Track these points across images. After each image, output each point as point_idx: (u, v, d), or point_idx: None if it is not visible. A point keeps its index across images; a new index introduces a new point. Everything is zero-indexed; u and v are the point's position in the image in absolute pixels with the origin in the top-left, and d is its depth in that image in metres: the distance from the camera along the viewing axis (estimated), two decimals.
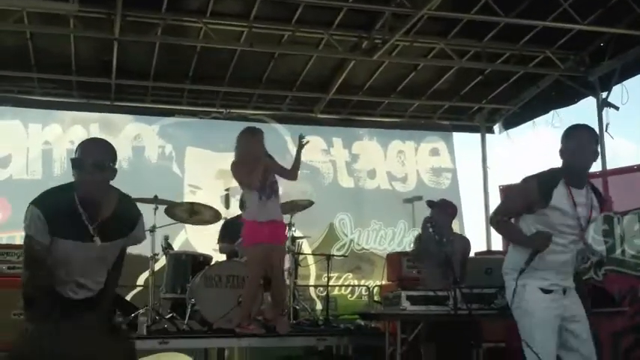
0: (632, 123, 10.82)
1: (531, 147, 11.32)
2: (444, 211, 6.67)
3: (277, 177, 6.18)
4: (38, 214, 3.54)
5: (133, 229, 3.83)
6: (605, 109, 9.08)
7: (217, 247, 7.75)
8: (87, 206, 3.61)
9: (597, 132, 4.57)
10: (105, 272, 3.88)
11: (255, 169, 5.93)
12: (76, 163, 3.59)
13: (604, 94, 9.17)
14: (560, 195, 4.04)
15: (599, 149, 4.18)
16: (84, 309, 3.72)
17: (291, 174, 6.26)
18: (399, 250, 9.45)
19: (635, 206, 7.00)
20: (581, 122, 4.34)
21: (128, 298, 8.01)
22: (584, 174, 4.13)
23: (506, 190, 4.38)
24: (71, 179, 3.64)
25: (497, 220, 4.36)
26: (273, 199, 6.08)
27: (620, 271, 7.01)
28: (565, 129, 4.24)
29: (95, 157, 3.58)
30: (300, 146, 6.37)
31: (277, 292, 6.19)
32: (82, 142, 3.76)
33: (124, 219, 3.78)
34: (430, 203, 6.85)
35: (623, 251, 7.07)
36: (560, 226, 4.07)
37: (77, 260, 3.69)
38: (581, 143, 4.06)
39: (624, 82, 8.90)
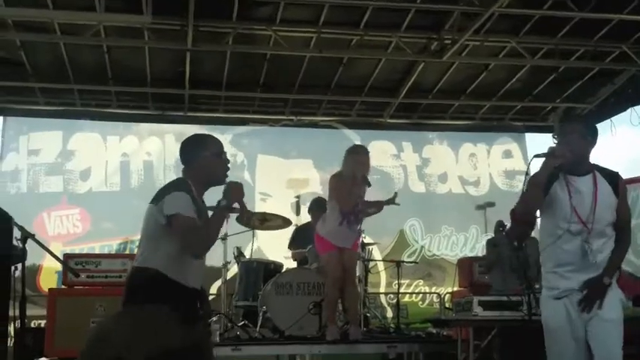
0: None
1: (608, 145, 10.95)
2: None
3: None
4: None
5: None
6: None
7: (288, 254, 7.82)
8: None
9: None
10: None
11: (353, 191, 5.79)
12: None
13: None
14: (557, 183, 3.93)
15: (594, 137, 4.04)
16: None
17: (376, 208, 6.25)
18: (471, 255, 9.31)
19: None
20: None
21: None
22: (582, 161, 3.95)
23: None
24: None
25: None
26: (354, 227, 5.92)
27: None
28: None
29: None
30: (389, 202, 6.33)
31: (350, 297, 6.15)
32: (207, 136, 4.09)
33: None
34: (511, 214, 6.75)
35: None
36: (559, 217, 3.90)
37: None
38: (567, 132, 4.00)
39: None
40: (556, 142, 4.02)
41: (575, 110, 10.97)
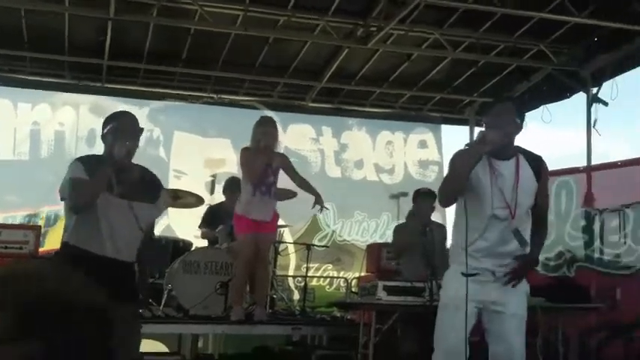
0: (620, 119, 10.74)
1: (520, 142, 11.24)
2: (427, 200, 6.66)
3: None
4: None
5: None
6: (594, 104, 9.01)
7: (199, 233, 7.75)
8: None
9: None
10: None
11: (257, 161, 5.87)
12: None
13: (594, 90, 9.10)
14: (480, 166, 3.88)
15: (522, 122, 4.04)
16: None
17: (302, 184, 6.26)
18: (380, 242, 9.40)
19: (617, 202, 6.97)
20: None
21: None
22: (508, 145, 3.93)
23: None
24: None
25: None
26: (268, 199, 6.01)
27: (591, 268, 7.00)
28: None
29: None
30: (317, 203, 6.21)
31: (259, 280, 6.21)
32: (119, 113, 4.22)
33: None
34: (415, 193, 6.86)
35: (597, 248, 7.05)
36: (484, 201, 3.88)
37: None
38: (495, 115, 3.96)
39: (616, 78, 8.83)
40: (486, 123, 4.02)
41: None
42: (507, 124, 3.90)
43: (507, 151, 3.92)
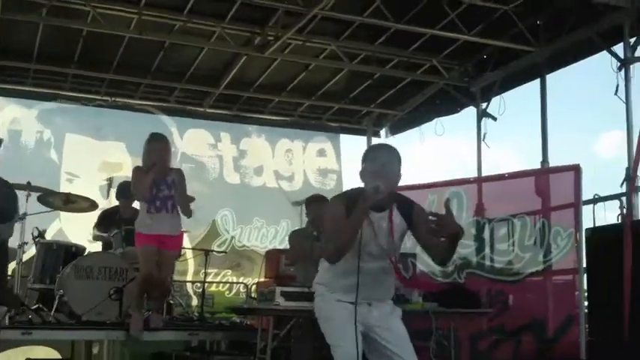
0: (508, 133, 11.31)
1: (416, 153, 11.64)
2: (315, 204, 6.74)
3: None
4: None
5: None
6: (483, 119, 9.44)
7: (92, 237, 7.55)
8: None
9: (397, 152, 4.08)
10: None
11: (146, 179, 5.72)
12: None
13: (484, 105, 9.54)
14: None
15: (401, 171, 3.80)
16: None
17: (184, 208, 5.92)
18: (279, 248, 9.45)
19: (504, 212, 7.31)
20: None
21: None
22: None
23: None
24: None
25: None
26: (164, 214, 5.81)
27: (480, 274, 7.32)
28: (366, 149, 4.00)
29: None
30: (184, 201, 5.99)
31: (159, 292, 6.06)
32: None
33: None
34: (307, 200, 6.93)
35: (485, 255, 7.38)
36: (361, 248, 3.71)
37: None
38: (384, 164, 3.75)
39: (503, 94, 9.28)
40: (374, 172, 3.70)
41: (387, 116, 11.53)
42: (396, 174, 3.76)
43: (385, 202, 3.74)
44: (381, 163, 3.74)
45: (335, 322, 3.85)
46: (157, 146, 5.87)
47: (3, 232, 5.80)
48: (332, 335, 3.86)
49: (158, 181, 5.77)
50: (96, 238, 7.40)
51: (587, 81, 12.51)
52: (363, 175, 3.80)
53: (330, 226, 3.83)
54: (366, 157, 3.84)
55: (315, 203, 6.77)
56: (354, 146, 12.02)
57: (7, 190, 5.82)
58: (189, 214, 5.97)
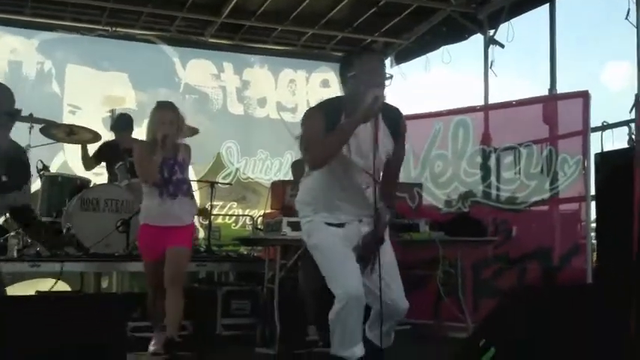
0: (516, 60, 11.11)
1: (422, 82, 11.49)
2: None
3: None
4: None
5: None
6: (491, 46, 9.26)
7: (97, 170, 7.57)
8: None
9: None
10: None
11: (155, 157, 4.77)
12: None
13: (491, 32, 9.35)
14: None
15: (386, 80, 3.71)
16: None
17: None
18: (284, 179, 9.43)
19: (511, 141, 7.25)
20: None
21: None
22: None
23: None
24: None
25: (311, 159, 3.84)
26: (180, 199, 4.91)
27: (484, 202, 7.31)
28: (347, 56, 3.98)
29: None
30: None
31: (170, 302, 4.87)
32: None
33: None
34: None
35: (490, 184, 7.36)
36: (345, 159, 3.72)
37: None
38: (369, 70, 3.68)
39: (511, 21, 9.08)
40: (366, 81, 3.62)
41: (392, 45, 11.32)
42: (385, 80, 3.67)
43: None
44: (372, 70, 3.66)
45: (329, 253, 3.80)
46: (166, 117, 4.88)
47: (19, 197, 5.70)
48: (328, 267, 3.80)
49: (168, 159, 4.87)
50: (87, 166, 7.40)
51: (597, 6, 12.20)
52: (353, 82, 3.69)
53: (313, 136, 3.72)
54: (353, 64, 3.72)
55: None
56: None
57: (24, 157, 5.75)
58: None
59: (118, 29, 9.98)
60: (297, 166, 6.97)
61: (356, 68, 3.69)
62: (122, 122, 7.52)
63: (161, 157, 4.76)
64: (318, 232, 3.87)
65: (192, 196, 5.22)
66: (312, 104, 11.13)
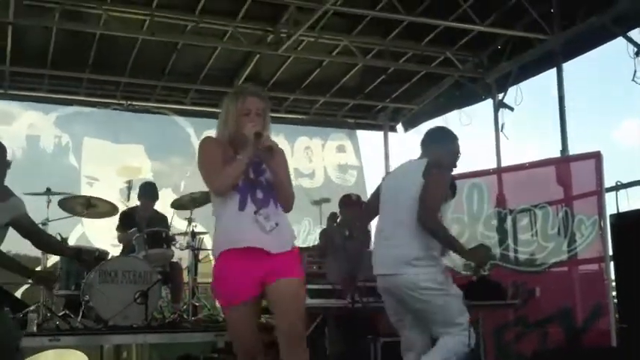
0: (527, 123, 11.26)
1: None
2: (351, 206, 6.79)
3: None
4: None
5: None
6: (500, 109, 9.38)
7: (115, 241, 7.58)
8: None
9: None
10: None
11: (233, 153, 3.42)
12: None
13: (500, 96, 9.48)
14: None
15: None
16: None
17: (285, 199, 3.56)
18: (302, 246, 9.43)
19: (525, 202, 7.26)
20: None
21: (17, 295, 7.66)
22: None
23: (431, 183, 4.17)
24: None
25: (437, 219, 4.28)
26: (271, 210, 3.44)
27: (504, 266, 7.27)
28: (445, 131, 4.67)
29: None
30: None
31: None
32: None
33: None
34: (341, 201, 6.99)
35: (508, 247, 7.33)
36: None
37: None
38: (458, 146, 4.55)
39: (520, 84, 9.22)
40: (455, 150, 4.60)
41: (402, 110, 11.48)
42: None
43: None
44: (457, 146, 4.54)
45: (460, 300, 4.30)
46: (253, 104, 3.50)
47: None
48: (456, 314, 4.25)
49: (255, 159, 3.46)
50: (119, 239, 7.43)
51: (604, 68, 12.40)
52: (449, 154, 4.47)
53: (443, 190, 4.38)
54: (452, 139, 4.55)
55: (350, 206, 6.79)
56: (373, 141, 12.03)
57: None
58: (289, 207, 3.57)
59: (133, 103, 10.19)
60: (326, 233, 7.04)
61: (452, 143, 4.58)
62: (149, 190, 7.62)
63: (248, 159, 3.37)
64: (448, 279, 4.32)
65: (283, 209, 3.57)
66: (329, 170, 11.34)
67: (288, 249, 3.46)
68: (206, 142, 3.67)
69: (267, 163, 3.47)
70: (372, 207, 4.74)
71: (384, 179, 4.83)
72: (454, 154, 4.50)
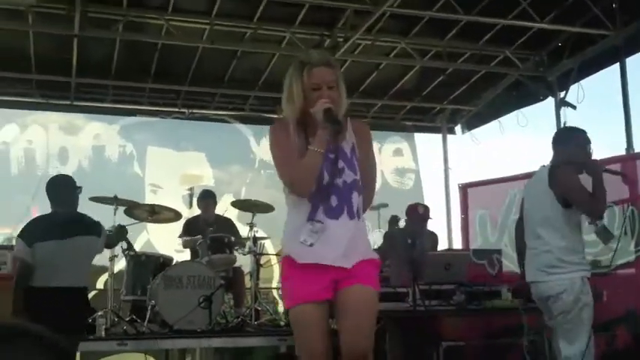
0: (589, 120, 11.01)
1: (496, 147, 11.43)
2: (413, 214, 6.79)
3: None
4: None
5: None
6: (563, 107, 9.20)
7: (180, 247, 7.73)
8: None
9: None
10: None
11: (316, 147, 2.93)
12: None
13: (562, 94, 9.30)
14: None
15: None
16: None
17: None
18: None
19: None
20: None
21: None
22: None
23: (568, 185, 4.33)
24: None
25: (597, 205, 4.43)
26: (345, 221, 2.99)
27: None
28: (566, 130, 4.87)
29: None
30: None
31: None
32: None
33: None
34: (407, 211, 7.00)
35: None
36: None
37: None
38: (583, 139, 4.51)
39: (581, 82, 9.03)
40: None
41: (461, 112, 11.37)
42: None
43: None
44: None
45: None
46: (326, 76, 3.01)
47: None
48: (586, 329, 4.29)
49: (329, 153, 2.99)
50: (184, 244, 7.58)
51: None
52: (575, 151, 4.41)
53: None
54: (570, 137, 4.51)
55: (416, 218, 6.79)
56: (430, 143, 11.94)
57: None
58: (366, 207, 3.18)
59: (193, 111, 10.37)
60: (390, 236, 7.05)
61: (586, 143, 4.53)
62: (205, 195, 7.78)
63: (323, 151, 2.91)
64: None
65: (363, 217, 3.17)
66: (386, 173, 11.31)
67: (366, 257, 3.03)
68: (274, 131, 3.07)
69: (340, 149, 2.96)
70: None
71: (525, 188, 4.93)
72: (581, 148, 4.47)
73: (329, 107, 2.90)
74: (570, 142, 4.48)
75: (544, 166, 4.55)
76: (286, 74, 3.07)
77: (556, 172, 4.32)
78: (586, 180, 4.37)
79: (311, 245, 2.92)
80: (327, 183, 2.96)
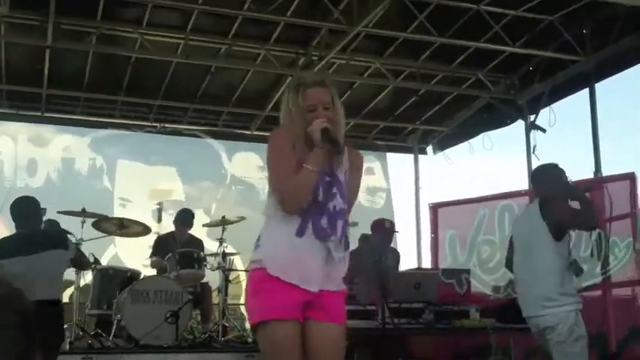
0: (559, 144, 11.14)
1: (465, 168, 11.51)
2: (379, 229, 6.80)
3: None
4: None
5: None
6: (532, 131, 9.31)
7: (147, 262, 7.65)
8: None
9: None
10: None
11: (309, 159, 2.87)
12: None
13: (532, 117, 9.41)
14: None
15: None
16: None
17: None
18: None
19: None
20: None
21: None
22: None
23: (562, 212, 4.51)
24: None
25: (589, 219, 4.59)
26: (335, 244, 2.94)
27: None
28: (542, 168, 4.81)
29: None
30: None
31: None
32: None
33: None
34: (372, 226, 6.99)
35: None
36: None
37: None
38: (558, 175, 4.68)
39: (552, 105, 9.15)
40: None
41: (432, 132, 11.45)
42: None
43: None
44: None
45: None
46: (316, 97, 2.94)
47: None
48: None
49: (326, 175, 2.95)
50: (152, 265, 7.49)
51: (637, 88, 12.25)
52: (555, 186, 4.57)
53: None
54: (548, 175, 4.67)
55: (382, 232, 6.79)
56: (401, 163, 12.00)
57: None
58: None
59: (165, 125, 10.32)
60: (356, 255, 7.03)
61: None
62: (186, 217, 7.72)
63: (318, 169, 2.87)
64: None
65: (347, 241, 3.08)
66: (359, 193, 11.31)
67: (339, 289, 2.99)
68: (277, 137, 3.00)
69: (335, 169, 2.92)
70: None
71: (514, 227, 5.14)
72: (558, 180, 4.64)
73: (326, 127, 2.87)
74: (548, 178, 4.67)
75: (529, 205, 4.86)
76: (282, 99, 3.05)
77: (548, 205, 4.48)
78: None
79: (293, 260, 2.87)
80: (322, 200, 2.91)
